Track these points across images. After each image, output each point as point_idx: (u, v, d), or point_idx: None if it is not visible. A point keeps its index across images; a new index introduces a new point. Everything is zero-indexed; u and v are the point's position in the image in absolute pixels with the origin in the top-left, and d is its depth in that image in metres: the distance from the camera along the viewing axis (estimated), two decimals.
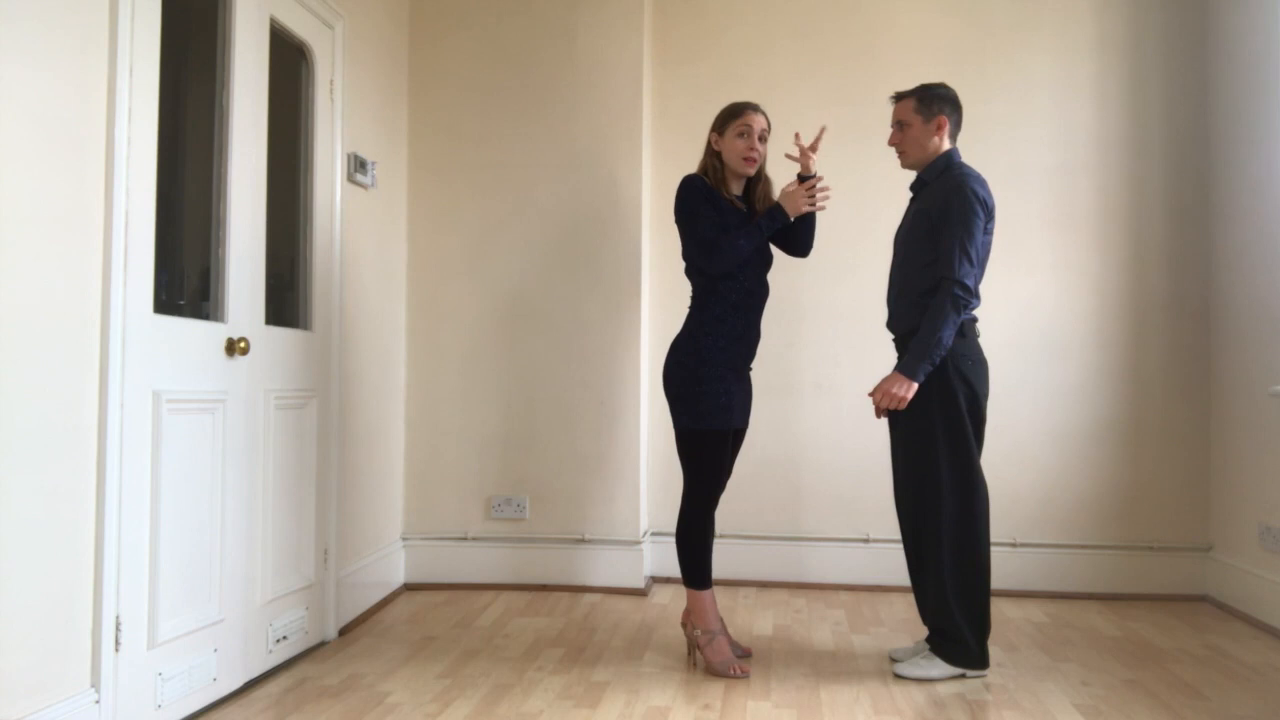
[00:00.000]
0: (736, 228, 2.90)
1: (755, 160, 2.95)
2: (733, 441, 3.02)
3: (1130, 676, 2.86)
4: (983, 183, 2.84)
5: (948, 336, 2.76)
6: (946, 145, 2.93)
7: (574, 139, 3.94)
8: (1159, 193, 3.91)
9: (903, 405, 2.80)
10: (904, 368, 2.79)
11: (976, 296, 2.85)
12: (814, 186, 2.94)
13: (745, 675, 2.84)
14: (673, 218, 3.07)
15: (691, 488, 2.95)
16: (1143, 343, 3.89)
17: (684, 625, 3.02)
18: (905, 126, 2.94)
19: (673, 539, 3.98)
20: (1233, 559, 3.65)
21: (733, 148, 2.94)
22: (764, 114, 2.99)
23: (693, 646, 2.95)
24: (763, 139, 2.97)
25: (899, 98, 2.98)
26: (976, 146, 3.93)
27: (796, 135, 3.05)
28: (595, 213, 3.92)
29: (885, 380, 2.83)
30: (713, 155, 3.00)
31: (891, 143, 3.00)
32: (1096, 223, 3.93)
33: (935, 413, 2.80)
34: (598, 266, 3.91)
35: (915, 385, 2.78)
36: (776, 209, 2.92)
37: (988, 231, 2.84)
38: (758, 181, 3.03)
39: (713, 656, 2.87)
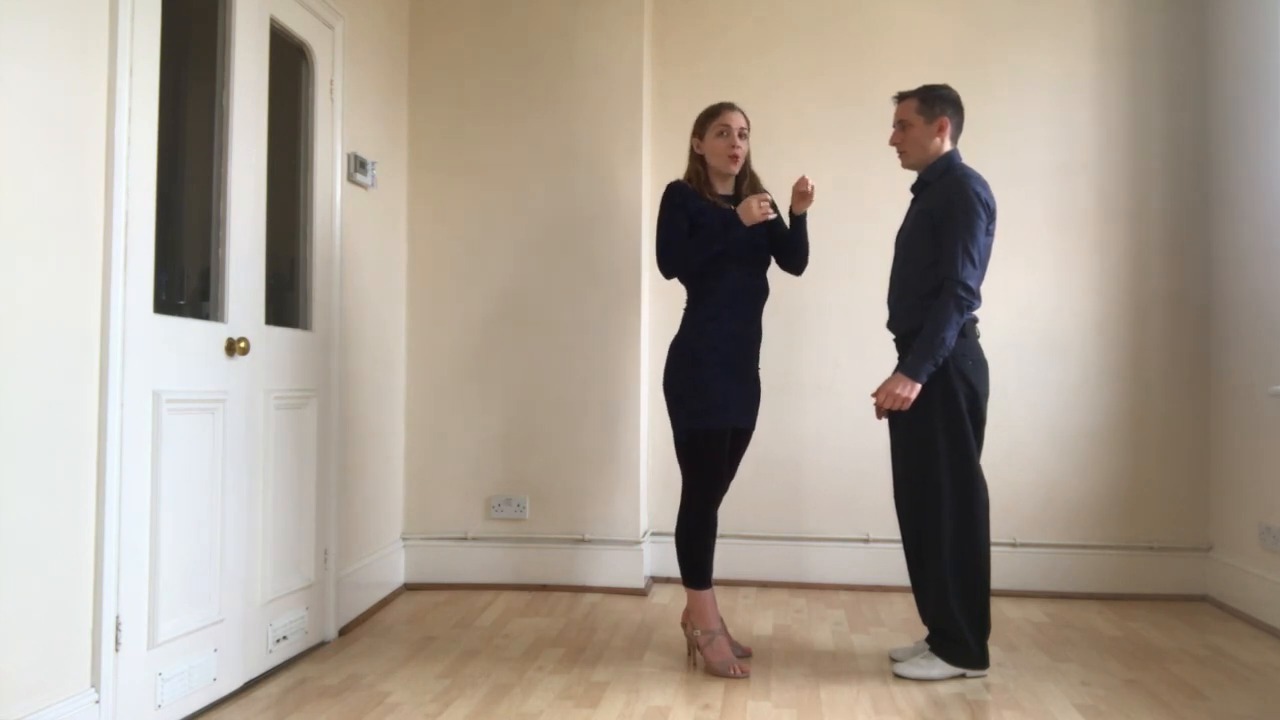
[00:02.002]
0: (712, 231, 2.89)
1: (738, 157, 2.96)
2: (735, 442, 3.02)
3: (1130, 676, 2.86)
4: (984, 184, 2.84)
5: (951, 337, 2.76)
6: (948, 146, 2.93)
7: (574, 139, 3.94)
8: (1159, 193, 3.91)
9: (906, 405, 2.80)
10: (907, 368, 2.79)
11: (978, 297, 2.85)
12: (764, 198, 2.89)
13: (745, 675, 2.84)
14: None
15: (690, 488, 2.95)
16: (1143, 342, 3.89)
17: (684, 625, 3.02)
18: (907, 126, 2.94)
19: (673, 539, 3.99)
20: (1233, 559, 3.65)
21: (714, 148, 2.96)
22: (741, 111, 3.01)
23: (693, 646, 2.95)
24: (743, 135, 2.98)
25: (902, 98, 2.98)
26: (976, 146, 3.92)
27: (806, 180, 2.98)
28: (595, 212, 3.92)
29: (889, 381, 2.83)
30: (695, 159, 3.02)
31: (893, 142, 3.00)
32: (1096, 222, 3.93)
33: (936, 413, 2.80)
34: (597, 266, 3.91)
35: (918, 386, 2.78)
36: (732, 216, 2.89)
37: (989, 233, 2.85)
38: (743, 179, 3.04)
39: (713, 656, 2.87)
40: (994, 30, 3.98)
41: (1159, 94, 3.92)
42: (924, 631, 3.03)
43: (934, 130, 2.91)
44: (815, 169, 3.75)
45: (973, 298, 2.78)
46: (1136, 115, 3.93)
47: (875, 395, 2.87)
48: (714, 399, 2.89)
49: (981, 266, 2.85)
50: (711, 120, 2.98)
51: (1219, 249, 3.80)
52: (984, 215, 2.80)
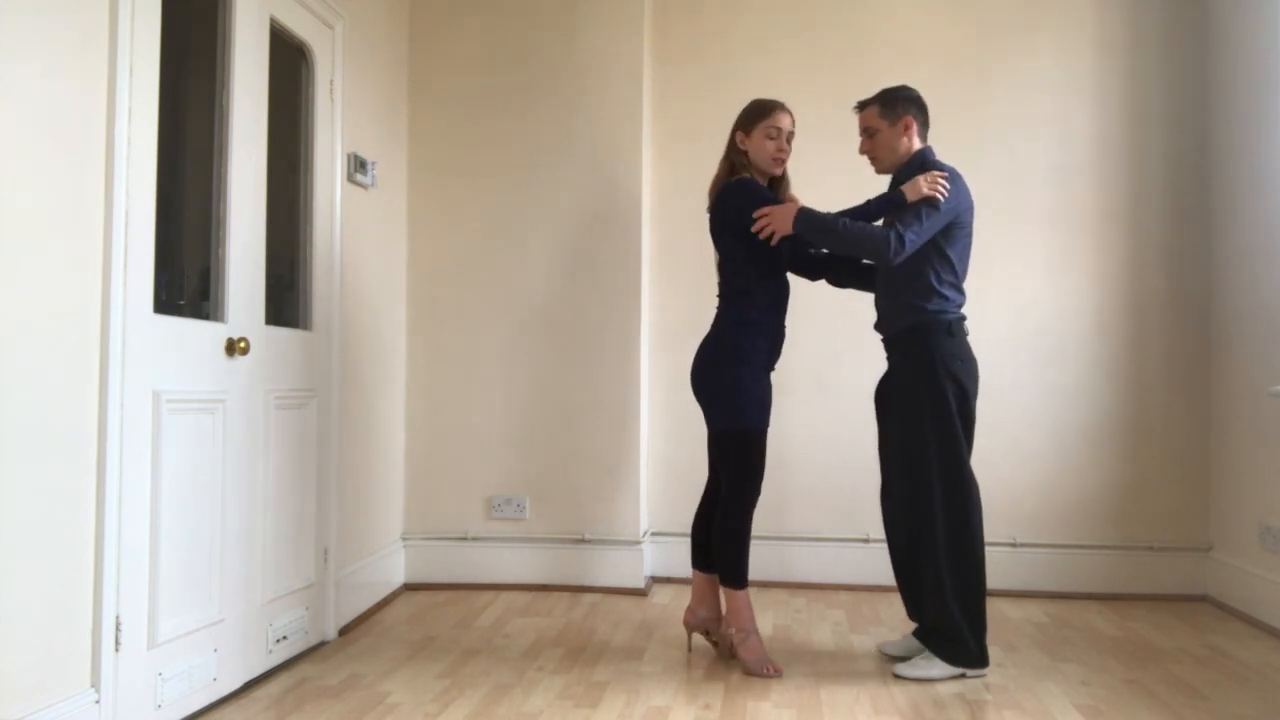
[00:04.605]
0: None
1: (784, 160, 2.96)
2: None
3: (1130, 676, 2.86)
4: (956, 178, 2.84)
5: (848, 242, 2.78)
6: (917, 145, 2.95)
7: (574, 138, 3.94)
8: (1159, 193, 3.91)
9: (768, 232, 2.80)
10: (804, 210, 2.80)
11: (960, 293, 2.88)
12: (936, 178, 2.77)
13: (779, 674, 2.84)
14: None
15: (739, 488, 2.91)
16: (1143, 342, 3.89)
17: (686, 624, 3.04)
18: (874, 133, 2.96)
19: (672, 539, 4.01)
20: (1233, 559, 3.65)
21: (762, 148, 2.93)
22: (790, 113, 2.98)
23: (722, 643, 2.97)
24: (789, 139, 2.97)
25: (862, 106, 3.00)
26: (976, 146, 3.93)
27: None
28: (595, 212, 3.92)
29: (785, 207, 2.82)
30: (738, 154, 2.96)
31: (862, 151, 3.02)
32: (1096, 223, 3.93)
33: (926, 413, 2.82)
34: (598, 266, 3.91)
35: (791, 230, 2.78)
36: (897, 193, 2.82)
37: (962, 225, 2.85)
38: (780, 179, 3.03)
39: (747, 655, 2.87)
40: (994, 30, 3.98)
41: (1159, 94, 3.92)
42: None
43: (900, 131, 2.92)
44: (815, 168, 3.75)
45: (903, 249, 2.73)
46: (1136, 115, 3.93)
47: (763, 213, 2.83)
48: (761, 397, 2.89)
49: (961, 262, 2.87)
50: (762, 119, 2.93)
51: (1219, 249, 3.80)
52: (945, 212, 2.78)
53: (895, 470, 2.93)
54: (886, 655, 3.01)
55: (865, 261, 3.11)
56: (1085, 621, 3.47)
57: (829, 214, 2.81)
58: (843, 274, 3.17)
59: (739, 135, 2.97)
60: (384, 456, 3.78)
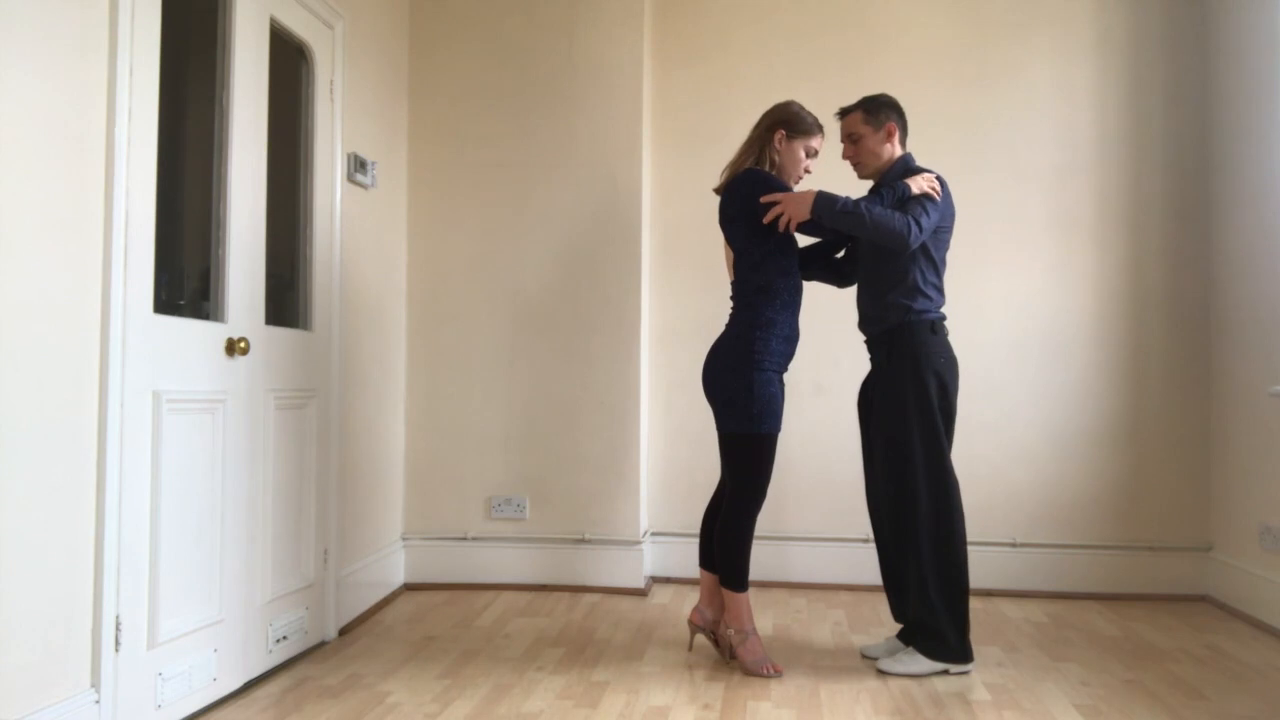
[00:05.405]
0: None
1: (802, 179, 3.01)
2: None
3: (1130, 676, 2.86)
4: (944, 184, 2.89)
5: (869, 226, 2.74)
6: (899, 151, 2.99)
7: (574, 139, 3.94)
8: (1159, 193, 3.91)
9: (786, 220, 2.79)
10: (823, 194, 2.78)
11: (941, 294, 2.90)
12: (932, 179, 2.87)
13: (779, 674, 2.84)
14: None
15: (743, 491, 2.90)
16: (1143, 343, 3.89)
17: (690, 622, 3.04)
18: (858, 139, 2.99)
19: (672, 539, 4.01)
20: (1233, 559, 3.65)
21: (796, 159, 2.97)
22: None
23: (721, 644, 2.97)
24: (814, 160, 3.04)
25: (845, 113, 3.02)
26: (977, 146, 3.94)
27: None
28: (595, 212, 3.92)
29: (800, 194, 2.80)
30: (772, 150, 2.96)
31: (845, 157, 3.04)
32: (1096, 223, 3.93)
33: (910, 409, 2.84)
34: (598, 266, 3.91)
35: (807, 215, 2.78)
36: (902, 186, 2.84)
37: (946, 229, 2.89)
38: None
39: (747, 656, 2.87)
40: (994, 31, 3.98)
41: (1159, 94, 3.92)
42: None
43: (883, 137, 2.96)
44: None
45: (920, 236, 2.77)
46: (1136, 115, 3.93)
47: (775, 198, 2.82)
48: (774, 404, 2.88)
49: (941, 265, 2.91)
50: (808, 135, 2.97)
51: (1219, 249, 3.80)
52: (938, 208, 2.83)
53: (881, 468, 2.95)
54: (868, 658, 3.01)
55: (838, 256, 3.14)
56: (1085, 621, 3.47)
57: (848, 197, 2.81)
58: (817, 267, 3.15)
59: (780, 134, 2.96)
60: (384, 456, 3.78)
